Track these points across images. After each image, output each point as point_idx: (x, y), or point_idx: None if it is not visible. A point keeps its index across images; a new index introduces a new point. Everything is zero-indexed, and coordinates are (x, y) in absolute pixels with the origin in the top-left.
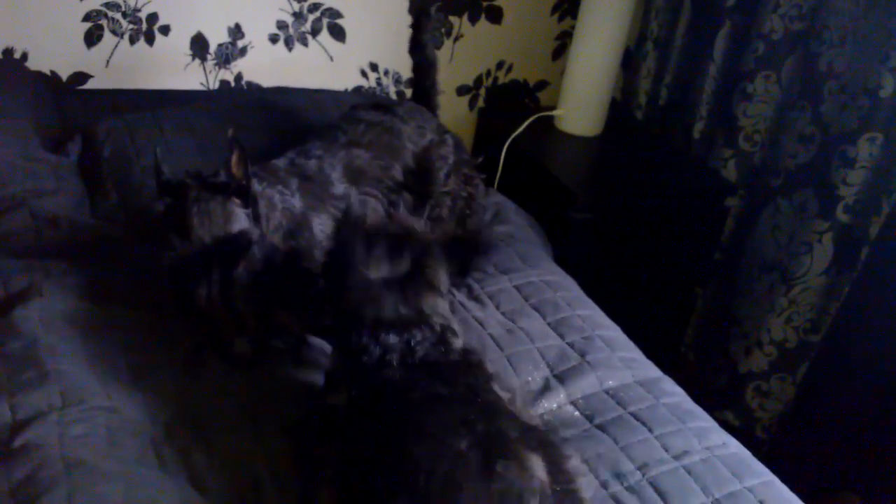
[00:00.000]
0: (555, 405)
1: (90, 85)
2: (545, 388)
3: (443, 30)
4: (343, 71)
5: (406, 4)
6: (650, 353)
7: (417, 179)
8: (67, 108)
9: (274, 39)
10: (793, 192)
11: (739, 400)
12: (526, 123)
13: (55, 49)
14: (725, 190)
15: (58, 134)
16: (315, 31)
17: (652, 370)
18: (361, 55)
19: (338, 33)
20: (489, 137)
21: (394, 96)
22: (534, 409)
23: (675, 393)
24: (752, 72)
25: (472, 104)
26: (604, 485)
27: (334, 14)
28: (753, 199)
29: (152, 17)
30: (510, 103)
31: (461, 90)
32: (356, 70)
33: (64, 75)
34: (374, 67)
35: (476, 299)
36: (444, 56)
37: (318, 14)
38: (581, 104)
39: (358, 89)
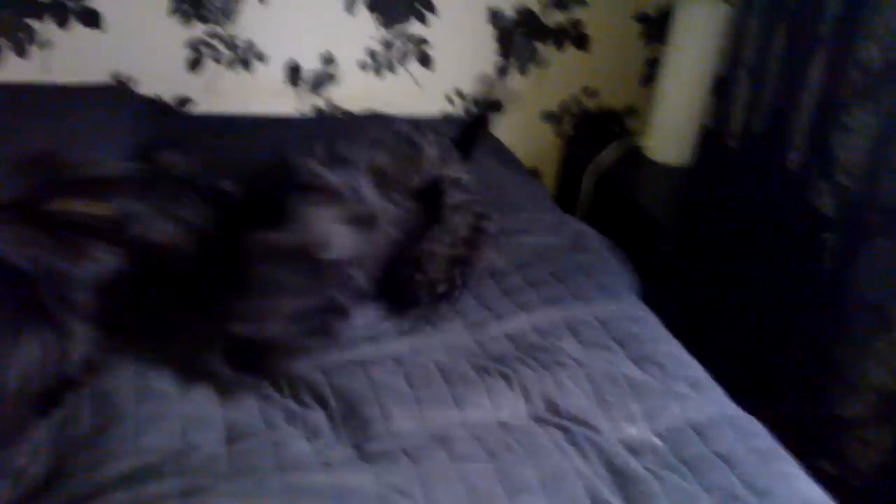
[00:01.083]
0: (634, 431)
1: (191, 108)
2: (627, 412)
3: (528, 56)
4: (430, 97)
5: (493, 32)
6: (739, 393)
7: (427, 200)
8: (169, 131)
9: (363, 66)
10: (893, 231)
11: (836, 447)
12: (611, 151)
13: (161, 74)
14: (822, 225)
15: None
16: (403, 59)
17: (738, 412)
18: (448, 82)
19: (425, 61)
20: (575, 164)
21: None
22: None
23: (760, 434)
24: (849, 102)
25: (557, 131)
26: None
27: (422, 42)
28: (851, 236)
29: (250, 45)
30: (597, 130)
31: (546, 117)
32: (443, 96)
33: (168, 99)
34: (460, 94)
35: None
36: (530, 82)
37: (406, 42)
38: (669, 132)
39: (446, 117)
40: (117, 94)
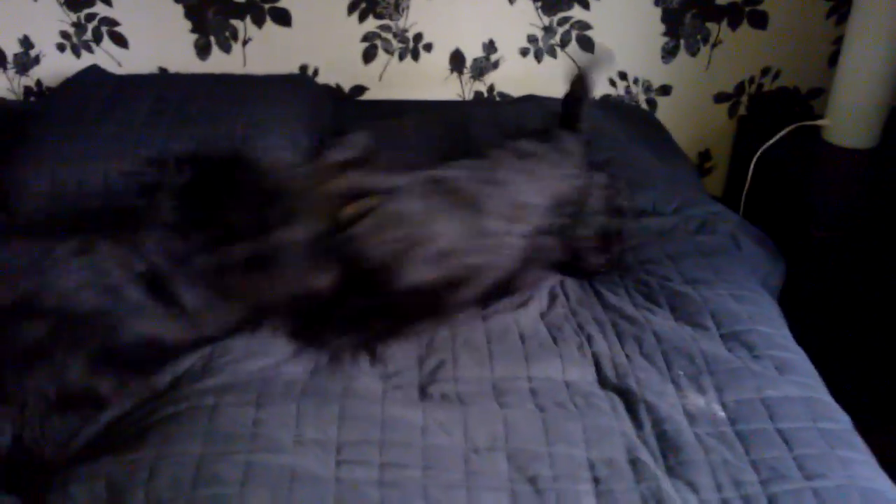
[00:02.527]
0: (702, 402)
1: (366, 96)
2: (697, 384)
3: (699, 36)
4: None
5: (658, 13)
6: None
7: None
8: (344, 116)
9: (524, 52)
10: None
11: None
12: (782, 133)
13: (340, 65)
14: None
15: (326, 137)
16: (564, 43)
17: (823, 396)
18: (610, 64)
19: (586, 44)
20: (747, 147)
21: (644, 105)
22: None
23: (838, 420)
24: None
25: (731, 112)
26: (718, 488)
27: (583, 26)
28: None
29: (418, 37)
30: (775, 112)
31: (719, 97)
32: (604, 79)
33: (346, 88)
34: (622, 76)
35: (652, 300)
36: (701, 63)
37: (567, 27)
38: (852, 112)
39: (606, 98)
40: (300, 82)
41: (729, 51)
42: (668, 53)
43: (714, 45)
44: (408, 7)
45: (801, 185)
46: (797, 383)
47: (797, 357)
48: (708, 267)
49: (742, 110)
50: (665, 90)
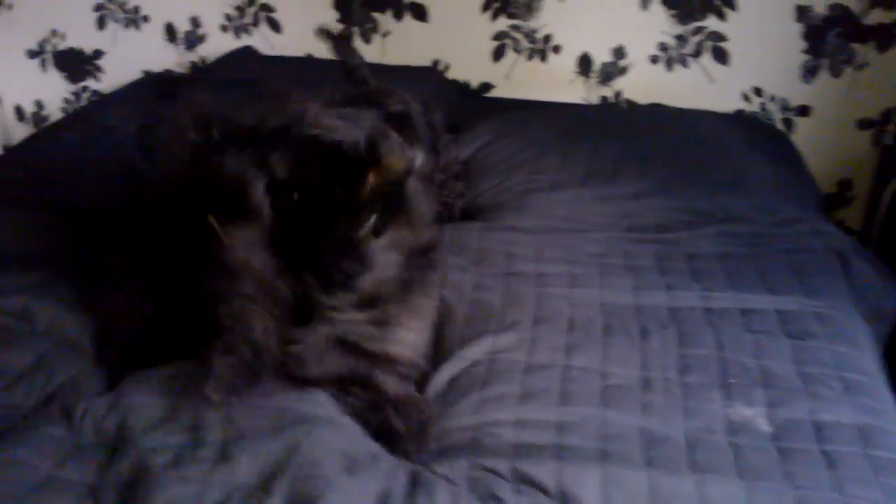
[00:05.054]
0: (749, 413)
1: (493, 93)
2: (748, 397)
3: (843, 57)
4: (724, 93)
5: (800, 29)
6: None
7: None
8: (471, 110)
9: (654, 60)
10: None
11: None
12: None
13: (469, 62)
14: None
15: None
16: (697, 53)
17: (890, 425)
18: (745, 79)
19: (720, 56)
20: (887, 178)
21: (779, 124)
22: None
23: (893, 448)
24: None
25: (876, 140)
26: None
27: (718, 37)
28: None
29: (547, 38)
30: None
31: (863, 124)
32: (737, 93)
33: (474, 83)
34: (758, 92)
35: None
36: (843, 85)
37: (701, 37)
38: None
39: (739, 112)
40: (431, 75)
41: (876, 75)
42: (808, 72)
43: (860, 68)
44: (540, 8)
45: None
46: (861, 406)
47: (871, 380)
48: (794, 280)
49: (890, 139)
50: (804, 111)
